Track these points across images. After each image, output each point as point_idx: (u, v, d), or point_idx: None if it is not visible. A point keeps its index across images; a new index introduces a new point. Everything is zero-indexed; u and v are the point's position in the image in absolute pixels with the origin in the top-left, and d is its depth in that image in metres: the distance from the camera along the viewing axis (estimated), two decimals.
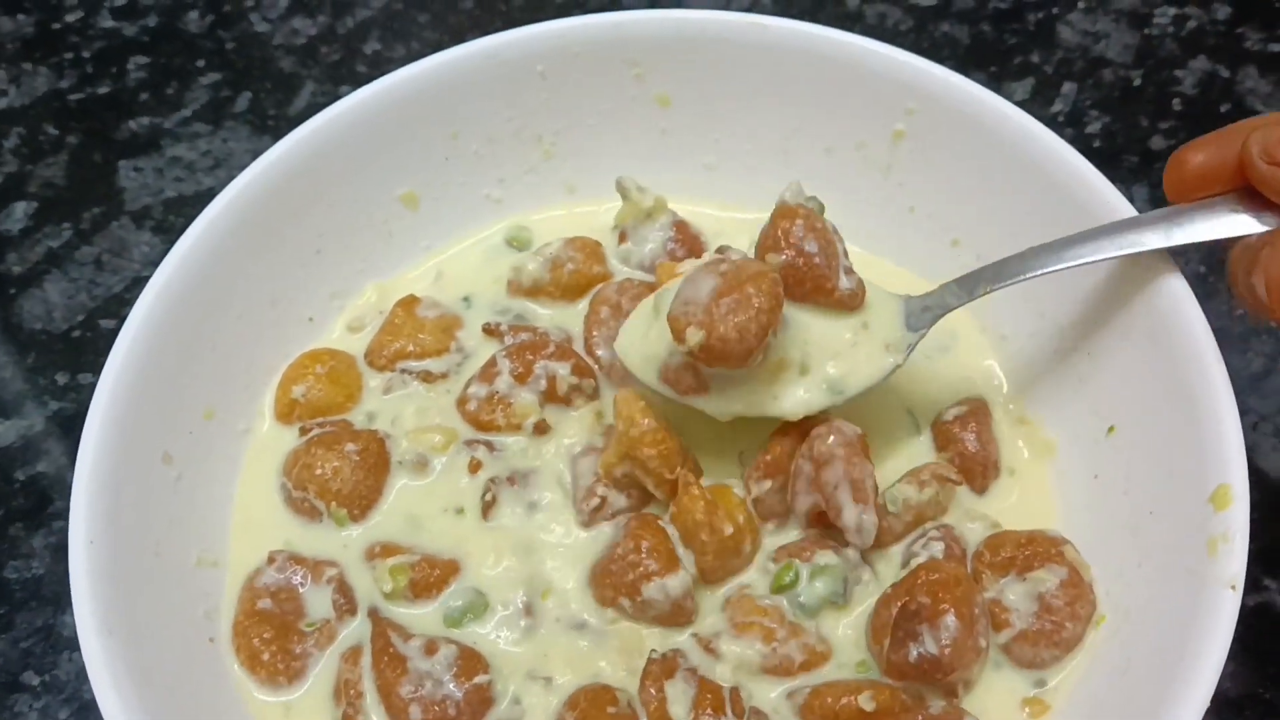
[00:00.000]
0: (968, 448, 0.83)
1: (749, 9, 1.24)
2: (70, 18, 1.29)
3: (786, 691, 0.75)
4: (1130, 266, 0.79)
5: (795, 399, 0.79)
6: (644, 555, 0.78)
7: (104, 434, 0.75)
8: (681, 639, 0.77)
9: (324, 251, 0.92)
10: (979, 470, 0.83)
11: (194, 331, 0.83)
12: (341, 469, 0.82)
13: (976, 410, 0.85)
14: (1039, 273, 0.78)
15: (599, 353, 0.90)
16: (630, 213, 0.96)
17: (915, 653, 0.73)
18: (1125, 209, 0.80)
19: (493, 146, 0.97)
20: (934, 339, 0.87)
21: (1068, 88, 1.16)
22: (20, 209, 1.13)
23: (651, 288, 0.92)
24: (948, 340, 0.90)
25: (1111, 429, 0.81)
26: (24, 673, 0.88)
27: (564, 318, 0.93)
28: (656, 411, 0.80)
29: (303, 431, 0.87)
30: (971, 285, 0.81)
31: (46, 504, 0.96)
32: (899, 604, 0.74)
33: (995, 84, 1.16)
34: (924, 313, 0.82)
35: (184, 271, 0.83)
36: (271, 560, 0.80)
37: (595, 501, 0.82)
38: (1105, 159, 1.03)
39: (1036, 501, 0.83)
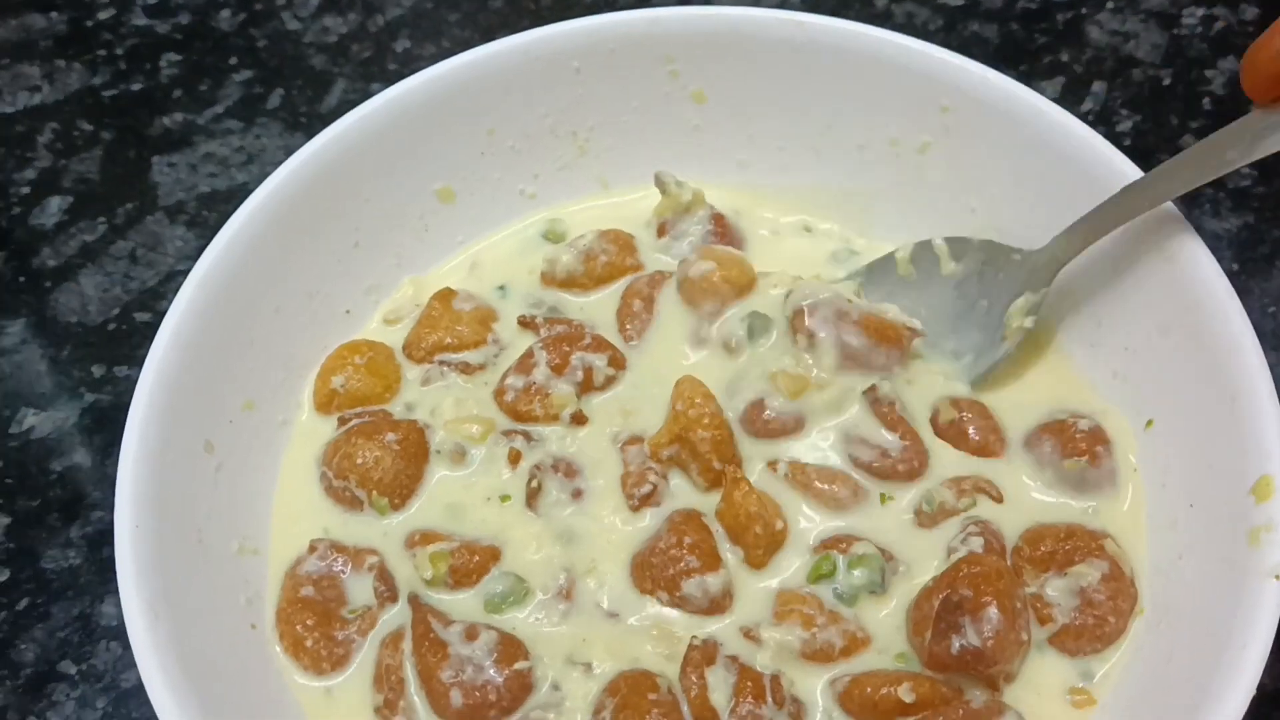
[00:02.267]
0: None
1: (778, 7, 1.24)
2: (103, 15, 1.30)
3: (828, 680, 0.75)
4: (1166, 262, 0.79)
5: None
6: (685, 550, 0.78)
7: (147, 422, 0.75)
8: (719, 628, 0.78)
9: (361, 245, 0.93)
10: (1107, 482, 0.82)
11: (233, 324, 0.83)
12: (383, 458, 0.83)
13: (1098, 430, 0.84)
14: (1132, 219, 0.80)
15: (631, 343, 0.90)
16: (669, 206, 0.96)
17: (958, 644, 0.73)
18: (1166, 205, 0.80)
19: (528, 142, 0.98)
20: None
21: (1098, 87, 1.16)
22: (55, 203, 1.14)
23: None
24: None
25: (1150, 423, 0.81)
26: (61, 661, 0.88)
27: (597, 309, 0.94)
28: (715, 400, 0.81)
29: (341, 422, 0.87)
30: (1081, 236, 0.82)
31: (82, 496, 0.96)
32: (941, 596, 0.74)
33: (1025, 83, 1.15)
34: (1043, 268, 0.84)
35: (223, 265, 0.83)
36: (313, 549, 0.81)
37: (647, 488, 0.82)
38: (1137, 158, 1.02)
39: None
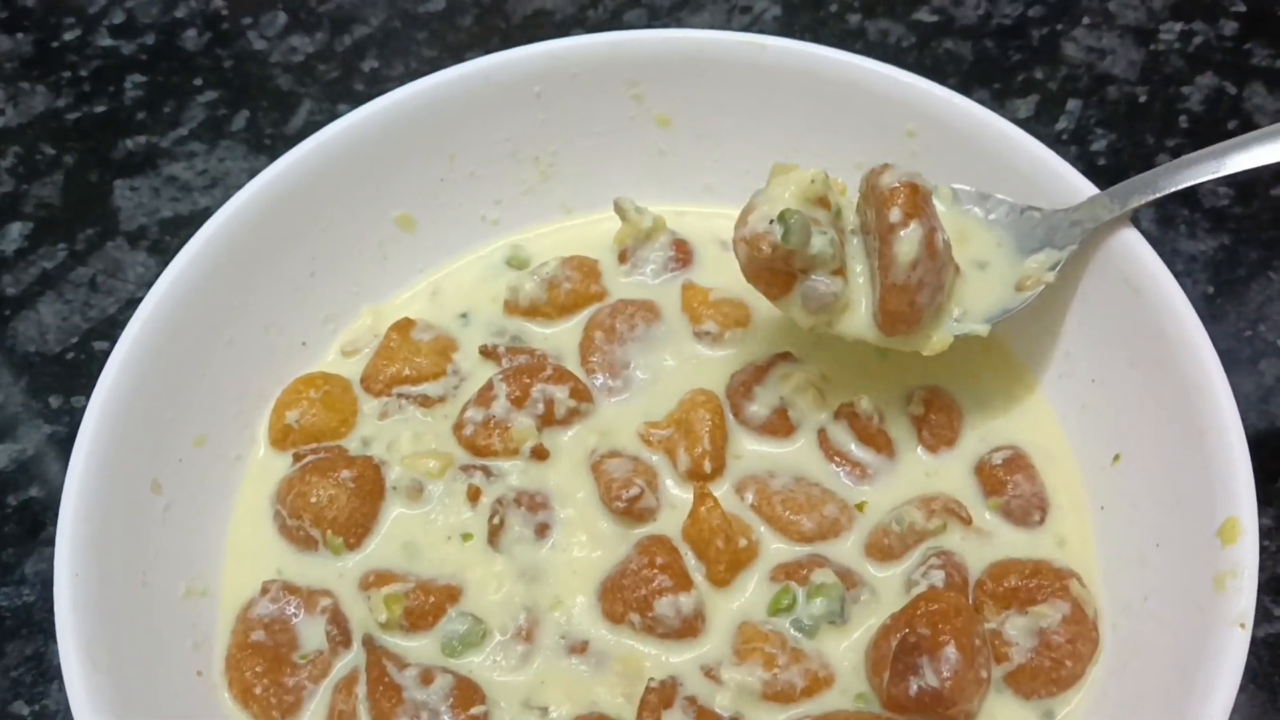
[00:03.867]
0: (1020, 492, 0.82)
1: (749, 26, 1.23)
2: (68, 36, 1.28)
3: None
4: (1134, 294, 0.78)
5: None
6: (657, 571, 0.77)
7: (90, 464, 0.74)
8: (681, 662, 0.76)
9: (318, 275, 0.91)
10: (1037, 508, 0.81)
11: (184, 358, 0.82)
12: (337, 497, 0.81)
13: (1019, 456, 0.84)
14: (1195, 182, 0.78)
15: (595, 376, 0.89)
16: (629, 233, 0.95)
17: (915, 686, 0.71)
18: (1133, 235, 0.79)
19: (489, 167, 0.96)
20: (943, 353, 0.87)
21: (1072, 105, 1.15)
22: (16, 229, 1.12)
23: (646, 307, 0.91)
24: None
25: (1117, 457, 0.79)
26: (14, 702, 0.87)
27: (561, 337, 0.92)
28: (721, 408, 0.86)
29: (296, 458, 0.85)
30: (1124, 196, 0.79)
31: (39, 530, 0.95)
32: (898, 636, 0.73)
33: (999, 101, 1.15)
34: (1071, 228, 0.81)
35: (173, 297, 0.82)
36: (265, 590, 0.79)
37: (635, 489, 0.81)
38: (1111, 177, 1.02)
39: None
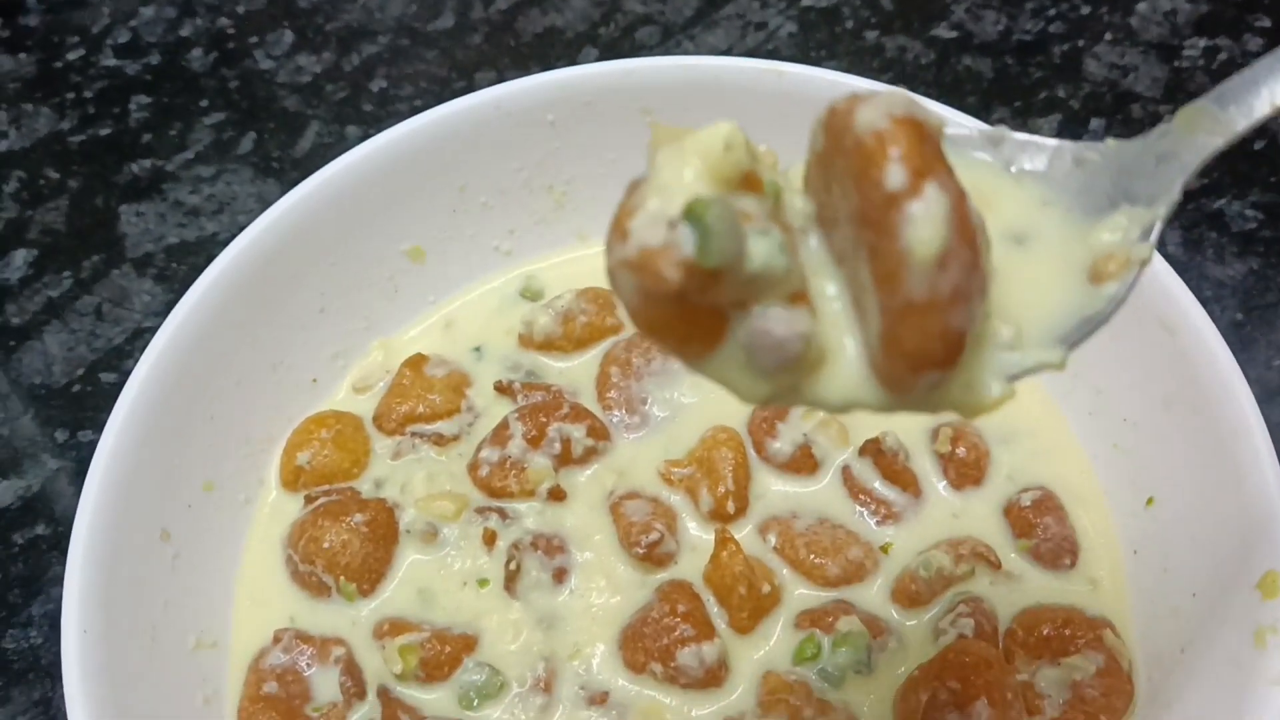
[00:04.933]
0: (1050, 534, 0.80)
1: (764, 43, 1.20)
2: (72, 56, 1.26)
3: None
4: (1168, 334, 0.76)
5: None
6: (679, 619, 0.75)
7: (96, 517, 0.72)
8: (705, 714, 0.74)
9: (327, 310, 0.89)
10: (1067, 552, 0.79)
11: (191, 402, 0.80)
12: (350, 542, 0.79)
13: (1049, 496, 0.82)
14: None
15: (612, 413, 0.87)
16: None
17: None
18: (1165, 270, 0.77)
19: (502, 198, 0.94)
20: None
21: (1095, 123, 1.12)
22: (20, 257, 1.11)
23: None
24: None
25: (1150, 500, 0.77)
26: None
27: (577, 372, 0.90)
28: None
29: (308, 500, 0.84)
30: (1245, 99, 0.51)
31: (46, 569, 0.93)
32: (928, 691, 0.71)
33: (1020, 119, 1.13)
34: (1161, 165, 0.52)
35: (179, 341, 0.80)
36: (277, 640, 0.77)
37: (655, 534, 0.79)
38: None
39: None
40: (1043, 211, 0.52)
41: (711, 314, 0.45)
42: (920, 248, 0.43)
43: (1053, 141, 0.54)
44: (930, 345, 0.44)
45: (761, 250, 0.44)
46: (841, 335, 0.48)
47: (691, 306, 0.45)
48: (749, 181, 0.46)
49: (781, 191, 0.48)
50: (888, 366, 0.46)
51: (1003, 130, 0.54)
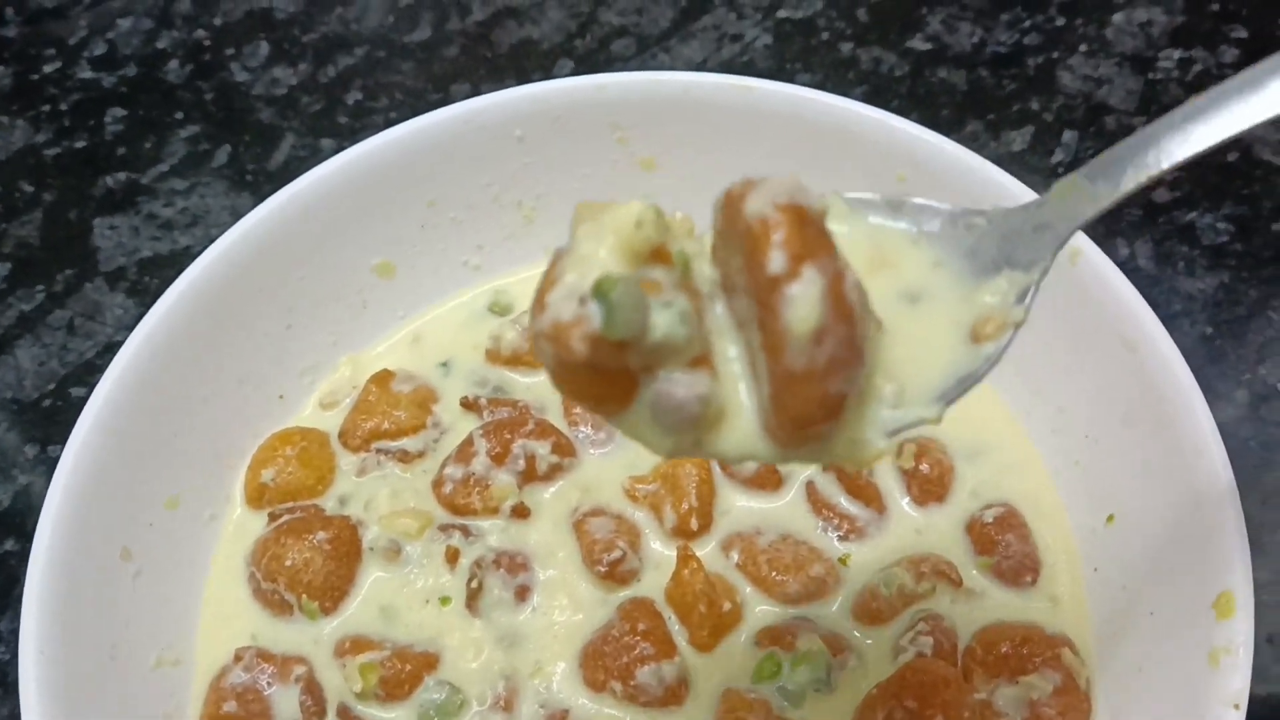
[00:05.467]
0: (1012, 552, 0.80)
1: (739, 55, 1.20)
2: (49, 68, 1.26)
3: None
4: (1128, 351, 0.76)
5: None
6: (639, 638, 0.75)
7: (56, 535, 0.72)
8: None
9: (294, 326, 0.89)
10: (1029, 569, 0.80)
11: (155, 419, 0.80)
12: (313, 560, 0.79)
13: (1012, 513, 0.82)
14: (1214, 142, 0.52)
15: (578, 429, 0.87)
16: None
17: None
18: (1126, 288, 0.77)
19: (471, 213, 0.94)
20: None
21: (1068, 136, 1.12)
22: None
23: None
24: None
25: (1111, 518, 0.77)
26: None
27: (544, 387, 0.90)
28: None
29: (272, 518, 0.84)
30: (1113, 174, 0.53)
31: (14, 585, 0.93)
32: (885, 710, 0.71)
33: (993, 133, 1.13)
34: (1037, 234, 0.55)
35: (146, 354, 0.80)
36: (238, 658, 0.77)
37: (617, 553, 0.79)
38: (1106, 214, 0.99)
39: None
40: (935, 272, 0.56)
41: (622, 377, 0.50)
42: (798, 325, 0.47)
43: (946, 207, 0.57)
44: (810, 410, 0.49)
45: (663, 322, 0.49)
46: (738, 394, 0.52)
47: (603, 371, 0.49)
48: (659, 254, 0.51)
49: (690, 261, 0.52)
50: (776, 425, 0.50)
51: (903, 197, 0.58)
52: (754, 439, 0.52)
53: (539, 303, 0.49)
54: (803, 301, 0.47)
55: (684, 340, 0.49)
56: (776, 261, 0.47)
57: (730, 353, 0.52)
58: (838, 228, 0.55)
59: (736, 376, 0.52)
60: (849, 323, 0.48)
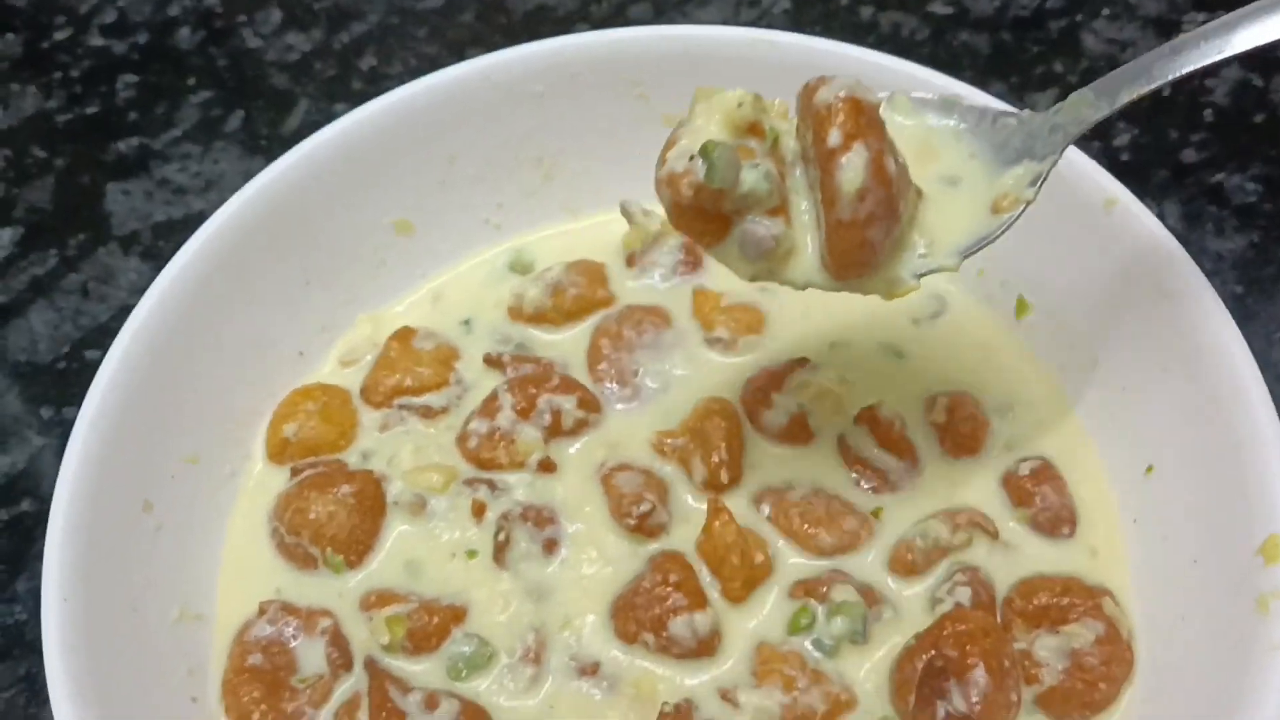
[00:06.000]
0: (1049, 504, 0.78)
1: (758, 20, 1.19)
2: (59, 35, 1.25)
3: None
4: (1165, 299, 0.74)
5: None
6: (671, 589, 0.74)
7: (78, 485, 0.71)
8: (698, 684, 0.73)
9: (313, 282, 0.88)
10: (1066, 521, 0.78)
11: (175, 372, 0.79)
12: (337, 513, 0.78)
13: (1047, 466, 0.80)
14: (1199, 65, 0.68)
15: (603, 385, 0.86)
16: (637, 236, 0.91)
17: (943, 710, 0.69)
18: (1164, 236, 0.76)
19: (491, 169, 0.93)
20: (958, 353, 0.83)
21: None
22: (6, 235, 1.09)
23: (655, 313, 0.88)
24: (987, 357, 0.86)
25: (1150, 468, 0.76)
26: None
27: (567, 345, 0.89)
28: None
29: (294, 473, 0.82)
30: (1112, 90, 0.69)
31: (31, 545, 0.92)
32: (924, 659, 0.70)
33: (1017, 95, 1.11)
34: (1052, 134, 0.70)
35: (163, 309, 0.79)
36: (263, 611, 0.76)
37: (646, 505, 0.78)
38: (1134, 174, 0.99)
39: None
40: (970, 163, 0.72)
41: (718, 217, 0.68)
42: (846, 185, 0.63)
43: (992, 107, 0.74)
44: (852, 250, 0.66)
45: (750, 179, 0.66)
46: (805, 237, 0.69)
47: (704, 211, 0.67)
48: (755, 128, 0.68)
49: (780, 136, 0.69)
50: (830, 262, 0.68)
51: (957, 97, 0.74)
52: (814, 271, 0.69)
53: (661, 159, 0.67)
54: (850, 167, 0.63)
55: (765, 193, 0.66)
56: (834, 138, 0.64)
57: (802, 206, 0.69)
58: (903, 120, 0.72)
59: (805, 225, 0.68)
60: (887, 187, 0.64)
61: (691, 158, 0.65)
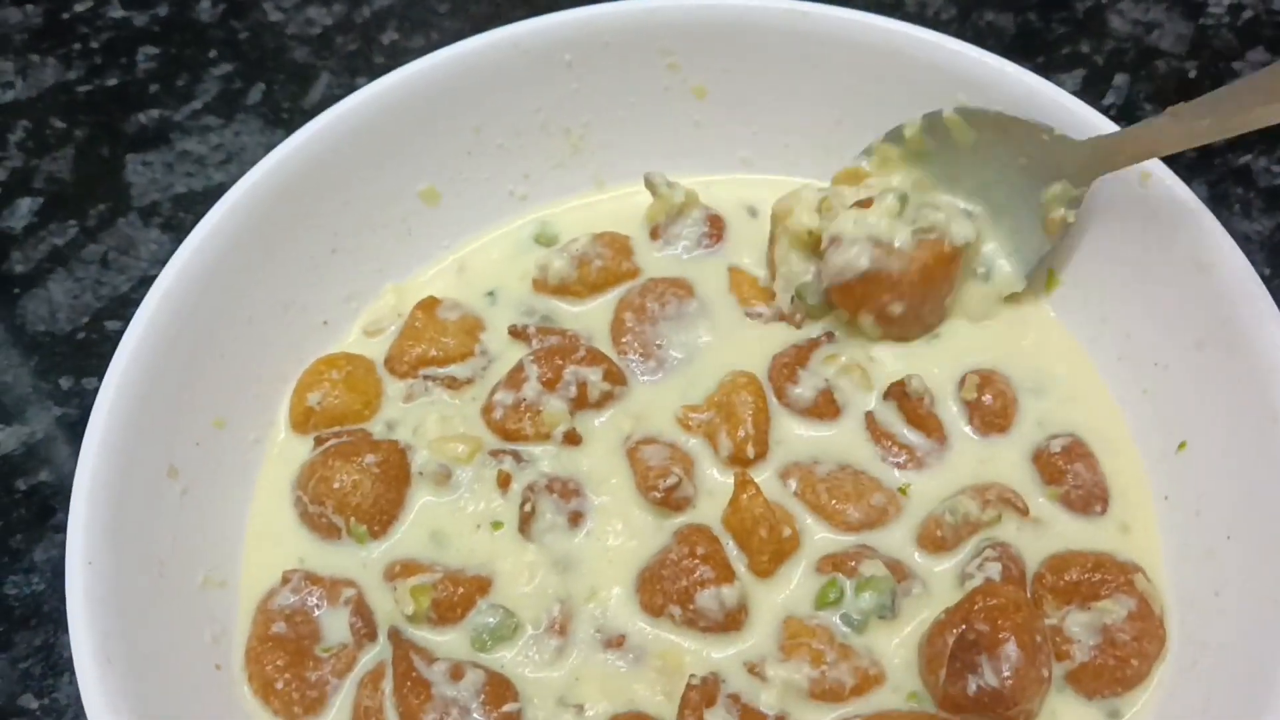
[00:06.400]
0: (1080, 481, 0.78)
1: None
2: (80, 7, 1.24)
3: None
4: (1200, 273, 0.74)
5: None
6: (698, 561, 0.74)
7: (104, 447, 0.70)
8: (724, 657, 0.72)
9: (339, 251, 0.87)
10: (1098, 499, 0.78)
11: (201, 337, 0.78)
12: (361, 482, 0.77)
13: (1078, 443, 0.80)
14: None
15: (628, 357, 0.85)
16: (661, 209, 0.91)
17: (974, 685, 0.68)
18: (1199, 208, 0.75)
19: (518, 140, 0.92)
20: (987, 328, 0.85)
21: (1120, 79, 1.10)
22: (25, 205, 1.09)
23: (679, 285, 0.87)
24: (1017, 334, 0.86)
25: (1183, 445, 0.75)
26: (23, 695, 0.83)
27: (592, 317, 0.88)
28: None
29: (318, 442, 0.82)
30: (1130, 145, 0.76)
31: (48, 515, 0.91)
32: (954, 633, 0.69)
33: (1044, 74, 1.09)
34: (1082, 168, 0.78)
35: (190, 274, 0.78)
36: (286, 580, 0.76)
37: (672, 479, 0.77)
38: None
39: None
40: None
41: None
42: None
43: (1045, 127, 0.80)
44: None
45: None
46: None
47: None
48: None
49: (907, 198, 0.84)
50: None
51: (1013, 115, 0.81)
52: None
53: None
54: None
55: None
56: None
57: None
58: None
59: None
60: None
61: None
